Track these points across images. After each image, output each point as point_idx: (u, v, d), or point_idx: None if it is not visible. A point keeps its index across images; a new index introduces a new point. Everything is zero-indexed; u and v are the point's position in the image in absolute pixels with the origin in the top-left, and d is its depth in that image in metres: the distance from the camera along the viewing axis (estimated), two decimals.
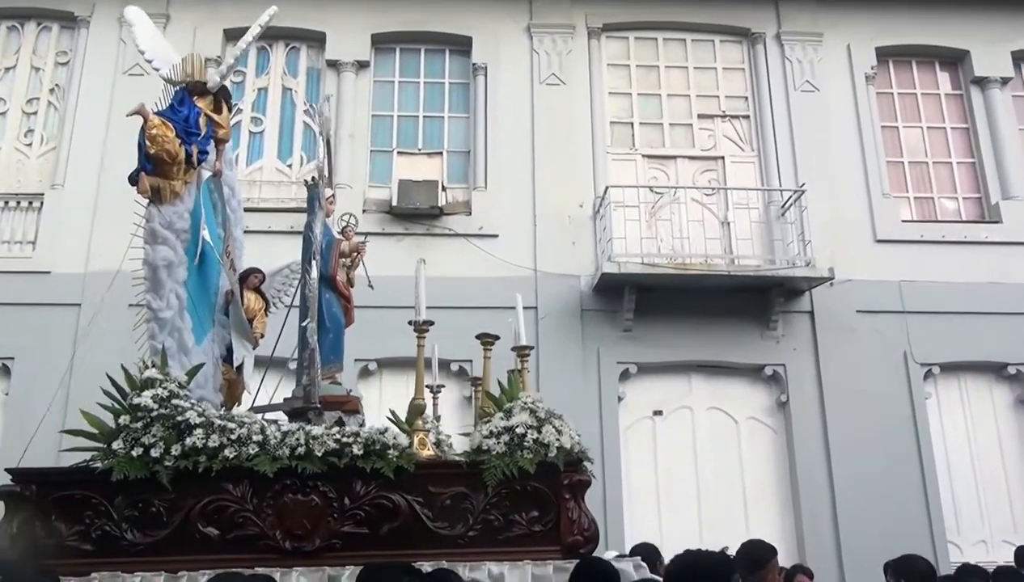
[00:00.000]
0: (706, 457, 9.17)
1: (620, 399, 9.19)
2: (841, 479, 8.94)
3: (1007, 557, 8.73)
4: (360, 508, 4.13)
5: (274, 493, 4.10)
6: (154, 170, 4.57)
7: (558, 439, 4.35)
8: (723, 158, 10.35)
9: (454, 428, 9.04)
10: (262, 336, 5.61)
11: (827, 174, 10.02)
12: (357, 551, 4.03)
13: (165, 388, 4.19)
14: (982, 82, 10.80)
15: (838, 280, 9.36)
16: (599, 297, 9.37)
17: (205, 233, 5.03)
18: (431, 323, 4.96)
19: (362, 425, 4.76)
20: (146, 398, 4.12)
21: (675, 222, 9.70)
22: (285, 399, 4.98)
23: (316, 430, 4.22)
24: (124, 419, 4.11)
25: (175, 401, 4.16)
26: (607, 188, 9.58)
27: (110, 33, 10.05)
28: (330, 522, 4.09)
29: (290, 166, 10.07)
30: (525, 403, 4.50)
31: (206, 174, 5.25)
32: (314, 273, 4.90)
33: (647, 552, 5.13)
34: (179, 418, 4.11)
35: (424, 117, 10.36)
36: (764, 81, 10.56)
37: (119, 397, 4.25)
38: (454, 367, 9.14)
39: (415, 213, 9.54)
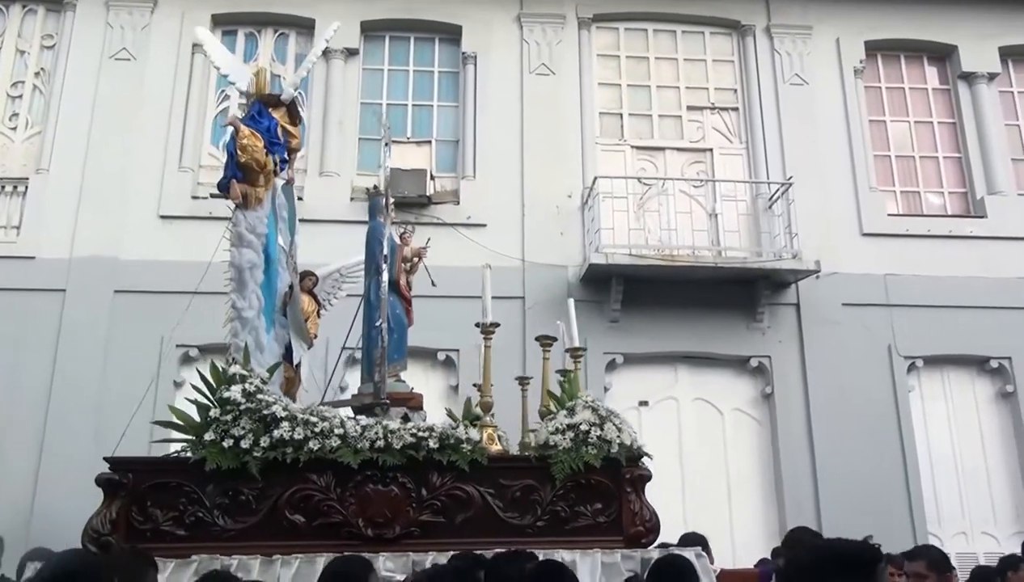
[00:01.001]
0: (691, 448, 9.22)
1: (606, 389, 9.21)
2: (824, 470, 9.02)
3: (987, 548, 8.89)
4: (436, 498, 4.41)
5: (356, 483, 4.35)
6: (243, 178, 4.89)
7: (619, 436, 4.65)
8: (711, 150, 10.38)
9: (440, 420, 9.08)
10: (315, 336, 5.99)
11: (815, 167, 10.06)
12: (434, 539, 4.35)
13: (251, 383, 4.45)
14: (969, 77, 10.85)
15: (824, 273, 9.41)
16: (586, 287, 9.38)
17: (281, 239, 5.39)
18: (497, 325, 5.35)
19: (423, 421, 4.97)
20: (235, 392, 4.36)
21: (663, 213, 9.72)
22: (353, 395, 5.23)
23: (392, 424, 4.48)
24: (214, 412, 4.34)
25: (260, 396, 4.42)
26: (595, 178, 9.59)
27: (96, 17, 9.96)
28: (409, 511, 4.36)
29: None
30: (587, 402, 4.82)
31: (279, 182, 5.50)
32: (385, 276, 5.20)
33: (698, 541, 5.21)
34: (265, 412, 4.35)
35: (413, 105, 10.34)
36: (753, 74, 10.57)
37: (207, 391, 4.47)
38: (440, 356, 9.16)
39: (403, 201, 9.50)
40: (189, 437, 4.41)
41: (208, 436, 4.28)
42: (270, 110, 5.20)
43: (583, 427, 4.63)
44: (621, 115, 10.44)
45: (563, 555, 4.17)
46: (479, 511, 4.43)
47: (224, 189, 4.90)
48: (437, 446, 4.41)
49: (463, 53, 10.36)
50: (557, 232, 9.68)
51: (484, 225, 9.61)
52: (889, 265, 9.77)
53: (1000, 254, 9.99)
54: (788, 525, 8.87)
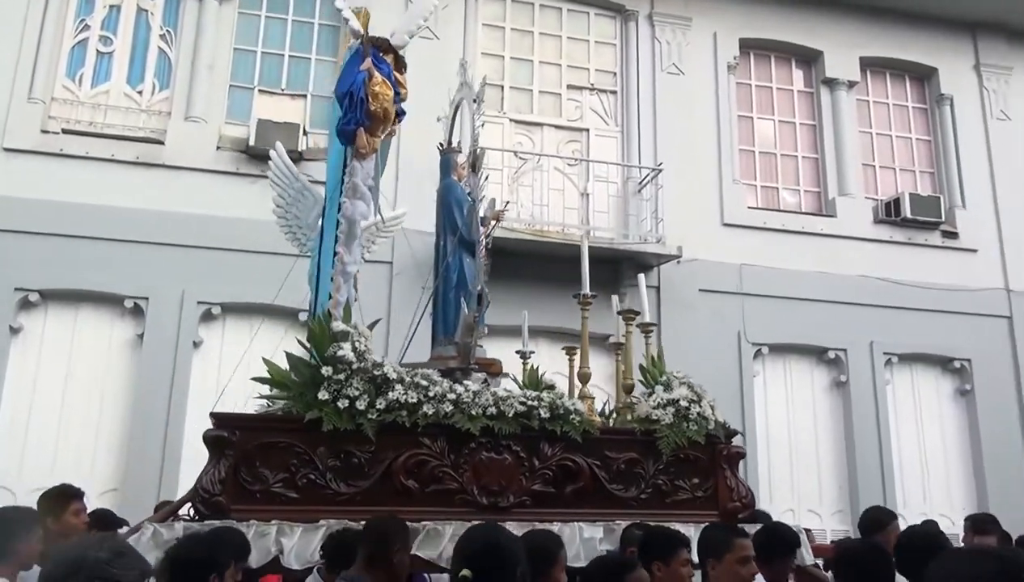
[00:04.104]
0: None
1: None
2: None
3: (812, 524, 9.51)
4: (548, 468, 4.35)
5: (470, 450, 4.26)
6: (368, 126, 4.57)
7: (713, 413, 4.72)
8: (588, 130, 10.55)
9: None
10: None
11: (684, 156, 10.39)
12: (545, 508, 4.26)
13: (361, 341, 4.19)
14: (832, 83, 11.46)
15: (685, 259, 9.77)
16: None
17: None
18: (595, 296, 5.35)
19: (498, 387, 4.83)
20: (347, 350, 4.09)
21: (536, 189, 9.82)
22: (432, 358, 4.93)
23: (501, 392, 4.44)
24: (327, 370, 4.06)
25: (371, 356, 4.18)
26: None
27: None
28: (522, 480, 4.30)
29: (140, 93, 9.47)
30: (681, 379, 4.85)
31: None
32: (482, 238, 5.04)
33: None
34: (376, 372, 4.11)
35: (290, 56, 9.99)
36: (633, 59, 10.79)
37: (312, 349, 4.19)
38: (302, 317, 8.96)
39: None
40: (286, 395, 4.17)
41: (322, 396, 4.04)
42: (381, 55, 4.83)
43: (683, 403, 4.66)
44: (502, 87, 10.44)
45: (675, 527, 4.11)
46: (588, 482, 4.41)
47: (349, 136, 4.55)
48: (548, 416, 4.35)
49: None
50: (430, 199, 9.58)
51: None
52: (745, 255, 10.24)
53: (846, 252, 10.65)
54: None
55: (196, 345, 8.68)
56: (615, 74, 10.85)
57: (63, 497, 4.25)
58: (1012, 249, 11.25)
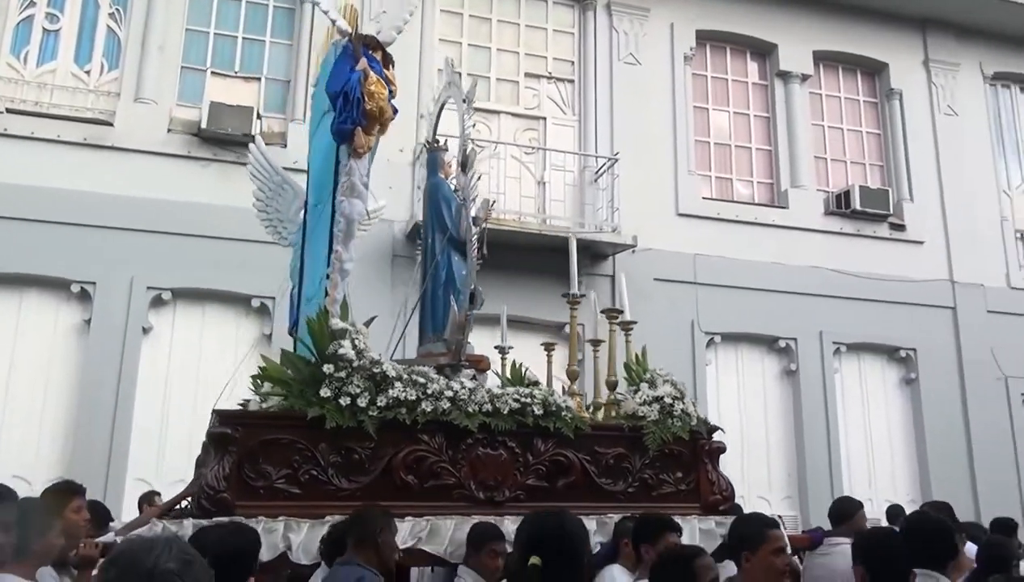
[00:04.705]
0: None
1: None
2: None
3: (760, 510, 9.68)
4: (541, 463, 4.47)
5: (467, 446, 4.34)
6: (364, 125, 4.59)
7: (695, 410, 4.87)
8: (545, 119, 10.55)
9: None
10: None
11: (640, 146, 10.45)
12: (538, 502, 4.30)
13: (360, 339, 4.23)
14: (786, 76, 11.61)
15: (640, 248, 9.84)
16: (411, 244, 9.32)
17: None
18: (583, 296, 5.48)
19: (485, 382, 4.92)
20: (348, 348, 4.13)
21: (492, 177, 9.81)
22: (421, 355, 4.98)
23: (496, 389, 4.53)
24: (328, 367, 4.10)
25: (369, 353, 4.22)
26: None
27: None
28: (516, 475, 4.41)
29: (88, 72, 9.24)
30: (664, 377, 4.97)
31: None
32: (474, 237, 5.03)
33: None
34: (375, 370, 4.17)
35: (243, 38, 9.82)
36: (591, 48, 10.82)
37: (310, 346, 4.23)
38: (255, 303, 8.87)
39: (226, 139, 9.06)
40: (284, 393, 4.17)
41: (324, 393, 4.08)
42: (370, 52, 4.78)
43: (667, 400, 4.79)
44: (459, 74, 10.36)
45: None
46: (578, 477, 4.52)
47: (346, 135, 4.53)
48: (542, 412, 4.46)
49: None
50: (386, 186, 9.49)
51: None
52: (699, 245, 10.36)
53: (797, 243, 10.83)
54: None
55: (146, 331, 8.53)
56: (573, 63, 10.87)
57: (64, 494, 4.15)
58: (956, 241, 11.55)
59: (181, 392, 8.49)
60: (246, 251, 8.71)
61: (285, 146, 9.36)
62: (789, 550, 3.50)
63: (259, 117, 9.23)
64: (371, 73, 4.60)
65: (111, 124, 8.89)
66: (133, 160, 8.81)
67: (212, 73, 9.46)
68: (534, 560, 2.48)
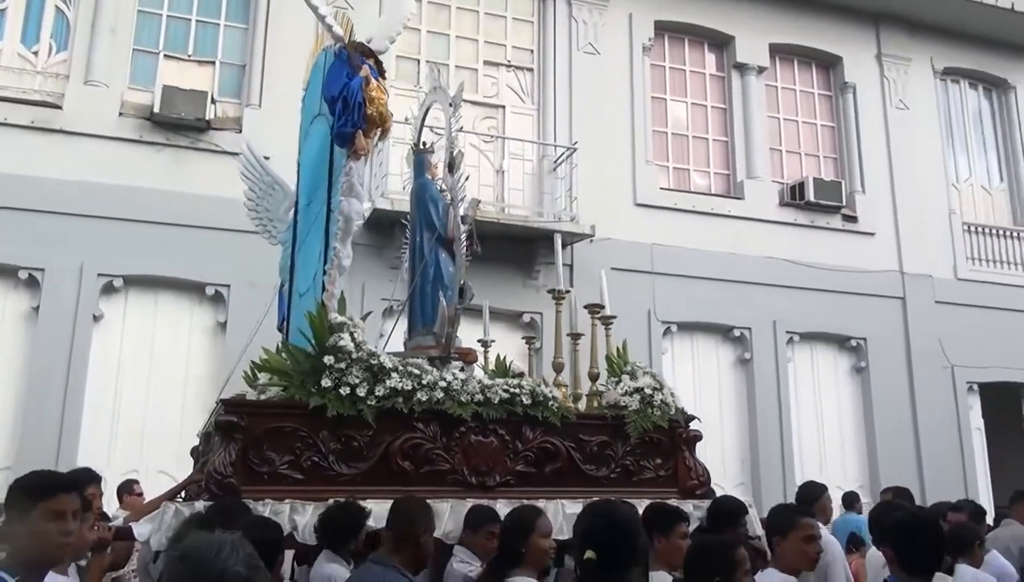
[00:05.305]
0: None
1: (382, 335, 9.19)
2: None
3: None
4: (529, 450, 4.73)
5: (460, 434, 4.59)
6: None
7: (673, 400, 5.12)
8: (504, 107, 10.54)
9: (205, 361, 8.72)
10: None
11: (598, 136, 10.49)
12: (526, 487, 4.63)
13: (358, 332, 4.47)
14: (742, 68, 11.73)
15: (598, 238, 9.89)
16: (369, 232, 9.23)
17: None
18: (568, 291, 5.80)
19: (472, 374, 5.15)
20: (347, 340, 4.36)
21: None
22: (412, 347, 5.15)
23: (486, 380, 4.79)
24: (328, 359, 4.32)
25: (367, 346, 4.46)
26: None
27: None
28: (506, 461, 4.67)
29: (36, 53, 9.01)
30: (644, 369, 5.25)
31: None
32: (463, 235, 5.27)
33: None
34: (373, 361, 4.39)
35: (197, 21, 9.64)
36: (550, 37, 10.82)
37: (311, 339, 4.43)
38: (209, 291, 8.76)
39: (179, 123, 8.91)
40: (286, 383, 4.37)
41: (325, 383, 4.31)
42: (365, 59, 4.98)
43: (647, 391, 5.03)
44: (418, 61, 10.33)
45: (636, 503, 4.33)
46: (564, 463, 4.77)
47: (348, 138, 4.74)
48: (530, 402, 4.71)
49: None
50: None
51: (267, 158, 9.16)
52: (656, 235, 10.44)
53: (752, 234, 10.97)
54: None
55: (96, 319, 8.38)
56: (532, 52, 10.86)
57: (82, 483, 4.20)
58: (906, 233, 11.79)
59: (133, 381, 8.37)
60: (200, 238, 8.62)
61: (240, 132, 9.22)
62: (821, 537, 3.70)
63: (213, 102, 9.08)
64: (372, 80, 4.83)
65: (60, 107, 8.69)
66: (83, 144, 8.63)
67: (165, 56, 9.29)
68: (589, 554, 2.56)
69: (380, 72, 5.05)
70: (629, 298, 10.13)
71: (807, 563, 3.64)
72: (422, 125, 6.00)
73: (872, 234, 11.66)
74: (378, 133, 4.96)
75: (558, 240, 6.07)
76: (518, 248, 9.80)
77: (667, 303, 10.32)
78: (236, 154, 8.99)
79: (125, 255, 8.38)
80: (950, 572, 4.07)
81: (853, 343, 11.27)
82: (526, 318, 9.86)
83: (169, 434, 8.30)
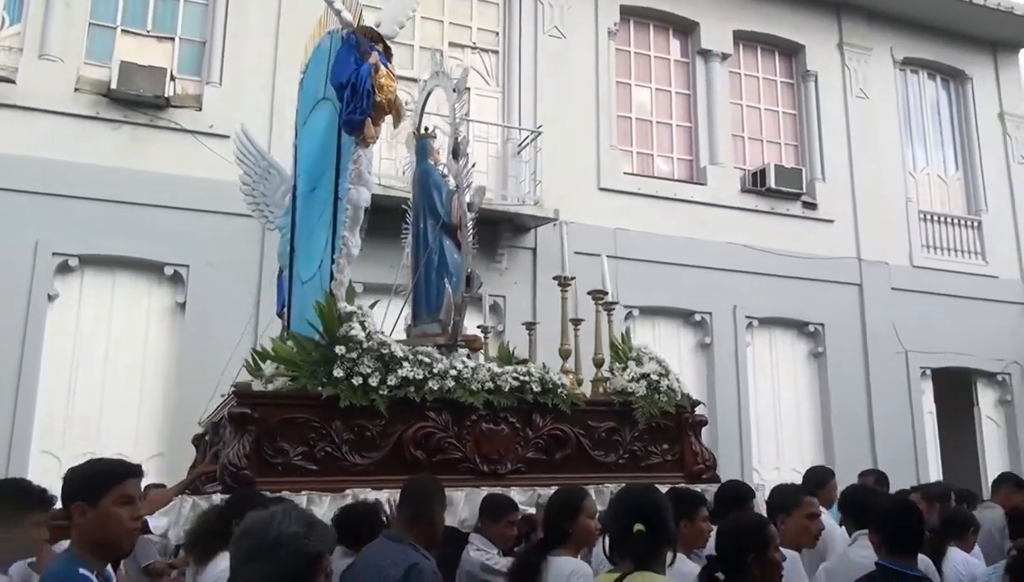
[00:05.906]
0: None
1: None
2: None
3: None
4: (540, 437, 4.78)
5: (471, 422, 4.62)
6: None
7: (679, 385, 5.20)
8: (469, 89, 10.43)
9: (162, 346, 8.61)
10: None
11: (563, 120, 10.48)
12: (537, 474, 4.67)
13: (368, 322, 4.45)
14: (707, 55, 11.79)
15: (561, 221, 9.90)
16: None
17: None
18: (573, 278, 5.88)
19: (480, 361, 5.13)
20: (358, 329, 4.34)
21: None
22: (417, 335, 5.14)
23: (495, 368, 4.80)
24: (339, 349, 4.29)
25: (378, 335, 4.45)
26: None
27: None
28: (517, 449, 4.72)
29: None
30: (650, 355, 5.33)
31: None
32: (469, 222, 5.28)
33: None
34: (384, 351, 4.38)
35: None
36: (516, 20, 10.77)
37: (320, 329, 4.41)
38: (168, 271, 8.63)
39: (137, 100, 8.73)
40: (295, 373, 4.34)
41: (338, 373, 4.28)
42: (373, 45, 4.88)
43: (653, 377, 5.09)
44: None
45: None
46: (574, 449, 4.83)
47: (357, 126, 4.69)
48: (540, 390, 4.74)
49: None
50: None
51: (227, 136, 9.03)
52: (619, 220, 10.48)
53: (714, 220, 11.07)
54: None
55: (51, 298, 8.22)
56: (497, 34, 10.81)
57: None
58: (864, 221, 11.98)
59: (89, 363, 8.23)
60: (159, 217, 8.49)
61: (200, 109, 9.10)
62: (822, 515, 3.85)
63: (172, 79, 8.91)
64: (382, 67, 4.79)
65: (13, 81, 8.46)
66: (37, 120, 8.43)
67: (123, 31, 9.09)
68: (639, 526, 2.70)
69: (388, 57, 4.98)
70: (592, 282, 10.18)
71: (809, 540, 3.79)
72: (423, 110, 6.04)
73: (831, 221, 11.83)
74: (387, 121, 4.94)
75: (563, 229, 6.21)
76: (481, 231, 9.57)
77: (630, 288, 10.34)
78: (195, 133, 8.95)
79: (81, 234, 8.22)
80: (940, 553, 4.22)
81: (811, 328, 11.45)
82: (490, 301, 9.83)
83: (126, 416, 8.20)
